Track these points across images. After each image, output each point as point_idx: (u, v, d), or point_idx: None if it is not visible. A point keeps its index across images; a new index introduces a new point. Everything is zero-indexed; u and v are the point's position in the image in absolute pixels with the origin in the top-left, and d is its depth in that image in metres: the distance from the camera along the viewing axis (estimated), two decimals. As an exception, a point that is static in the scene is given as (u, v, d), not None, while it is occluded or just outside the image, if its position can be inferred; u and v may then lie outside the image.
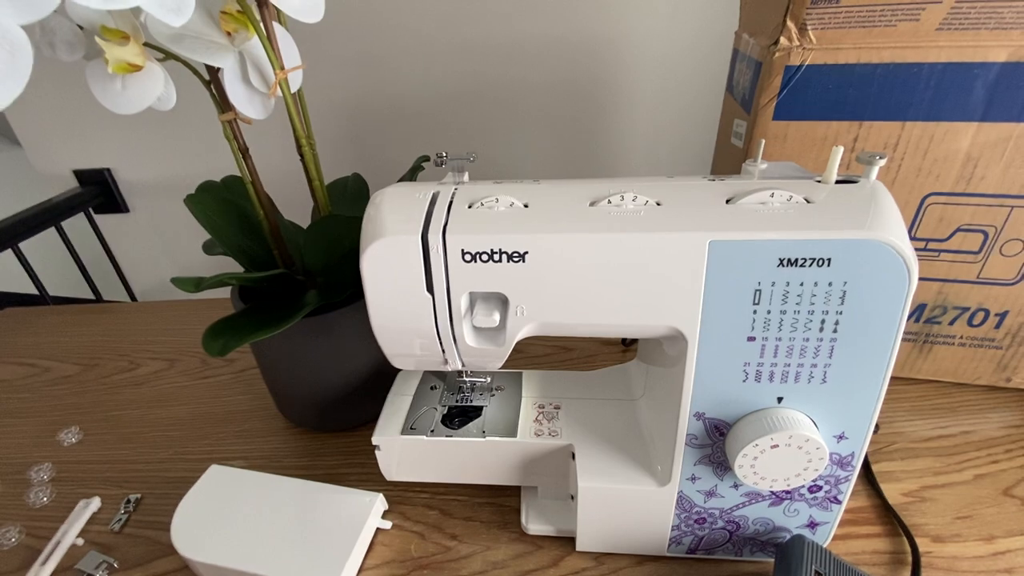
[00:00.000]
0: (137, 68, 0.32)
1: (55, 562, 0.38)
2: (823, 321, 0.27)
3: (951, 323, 0.47)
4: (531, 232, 0.27)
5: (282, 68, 0.35)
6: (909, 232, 0.43)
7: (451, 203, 0.29)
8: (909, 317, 0.48)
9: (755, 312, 0.27)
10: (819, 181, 0.28)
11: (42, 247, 1.03)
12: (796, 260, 0.26)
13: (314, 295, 0.41)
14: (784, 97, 0.40)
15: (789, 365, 0.28)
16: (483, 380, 0.42)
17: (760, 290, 0.27)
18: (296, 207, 0.50)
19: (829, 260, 0.26)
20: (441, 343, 0.31)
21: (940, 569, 0.35)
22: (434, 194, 0.30)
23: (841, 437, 0.30)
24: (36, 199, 1.00)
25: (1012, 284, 0.44)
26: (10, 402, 0.55)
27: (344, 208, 0.48)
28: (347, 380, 0.44)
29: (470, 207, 0.29)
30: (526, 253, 0.27)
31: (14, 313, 0.73)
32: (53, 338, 0.66)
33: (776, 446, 0.28)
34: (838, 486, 0.32)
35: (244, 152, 0.40)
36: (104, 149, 1.22)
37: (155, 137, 1.16)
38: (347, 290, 0.41)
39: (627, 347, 0.58)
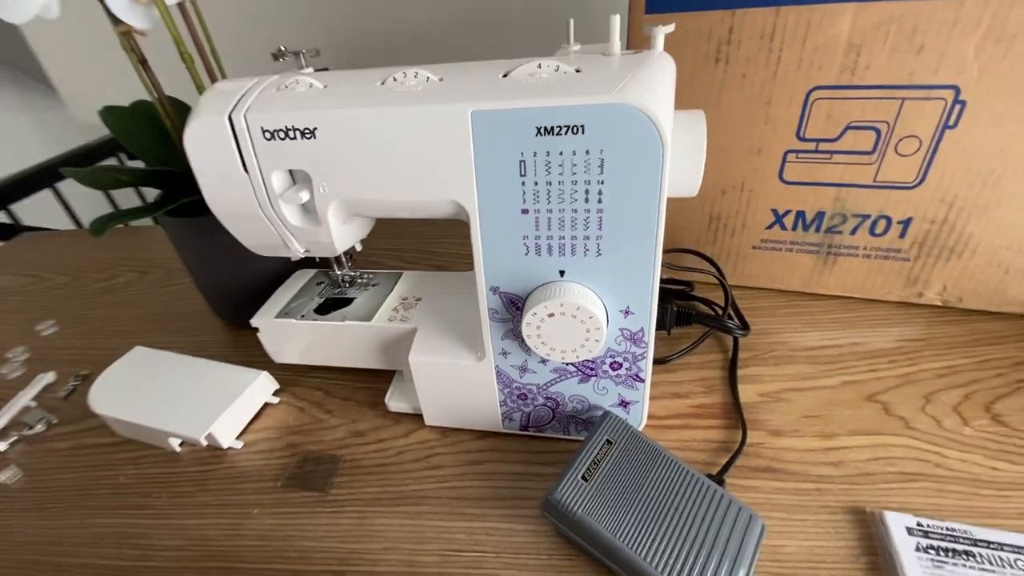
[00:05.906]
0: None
1: (7, 417, 0.46)
2: (587, 192, 0.28)
3: (852, 232, 0.45)
4: (319, 108, 0.29)
5: (143, -28, 0.37)
6: (797, 132, 0.42)
7: (264, 87, 0.31)
8: (809, 227, 0.46)
9: (523, 184, 0.28)
10: (607, 55, 0.28)
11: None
12: (552, 128, 0.26)
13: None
14: (653, -13, 0.39)
15: (564, 238, 0.29)
16: (365, 278, 0.45)
17: (524, 161, 0.28)
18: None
19: (582, 127, 0.26)
20: (271, 224, 0.34)
21: (765, 457, 0.36)
22: (258, 80, 0.32)
23: (627, 312, 0.31)
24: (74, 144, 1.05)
25: (912, 187, 0.42)
26: (8, 302, 0.65)
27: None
28: (257, 276, 0.49)
29: (278, 90, 0.31)
30: (315, 129, 0.29)
31: (31, 236, 0.83)
32: (53, 255, 0.75)
33: (552, 315, 0.30)
34: (637, 363, 0.33)
35: (143, 63, 0.44)
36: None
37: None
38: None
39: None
